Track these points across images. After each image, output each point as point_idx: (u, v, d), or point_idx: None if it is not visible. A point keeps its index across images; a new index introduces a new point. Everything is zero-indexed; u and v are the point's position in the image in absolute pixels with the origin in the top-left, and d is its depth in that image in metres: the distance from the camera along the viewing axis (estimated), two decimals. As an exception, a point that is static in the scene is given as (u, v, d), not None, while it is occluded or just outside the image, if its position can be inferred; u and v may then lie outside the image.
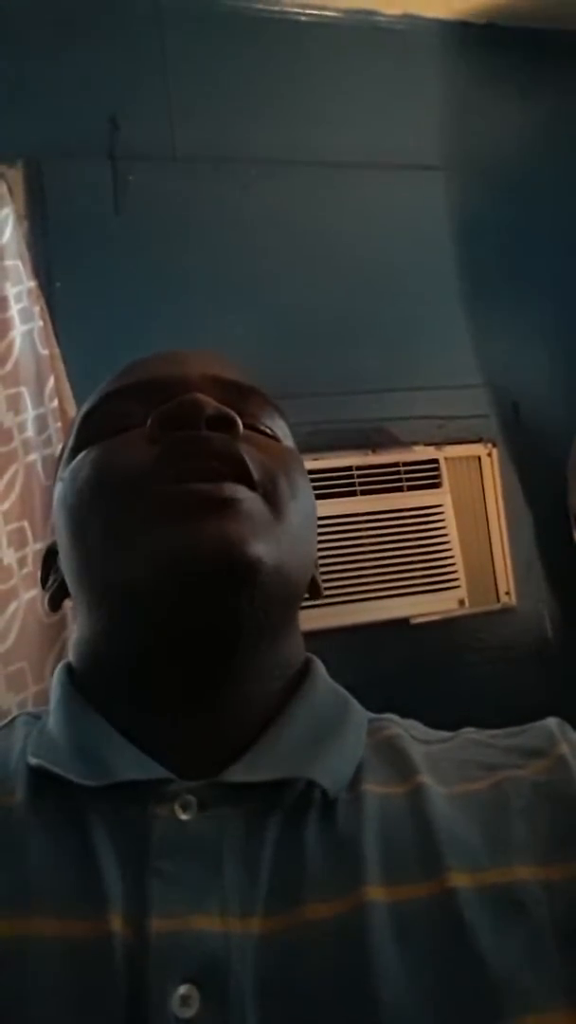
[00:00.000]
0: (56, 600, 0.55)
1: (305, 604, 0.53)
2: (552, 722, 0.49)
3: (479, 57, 2.06)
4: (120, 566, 0.44)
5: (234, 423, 0.47)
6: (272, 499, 0.47)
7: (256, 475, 0.46)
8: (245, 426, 0.48)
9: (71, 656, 0.52)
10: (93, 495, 0.47)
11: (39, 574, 0.58)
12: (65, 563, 0.50)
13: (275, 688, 0.48)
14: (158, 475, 0.45)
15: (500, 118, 2.05)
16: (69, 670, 0.50)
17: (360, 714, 0.50)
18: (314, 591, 0.55)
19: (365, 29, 1.99)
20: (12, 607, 1.34)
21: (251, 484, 0.46)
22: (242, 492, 0.45)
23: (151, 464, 0.45)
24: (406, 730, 0.50)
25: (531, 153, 2.06)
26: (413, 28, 2.03)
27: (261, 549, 0.43)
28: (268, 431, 0.52)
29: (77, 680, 0.49)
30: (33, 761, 0.44)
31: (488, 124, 2.04)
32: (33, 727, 0.48)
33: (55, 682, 0.50)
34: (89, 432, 0.51)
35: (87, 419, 0.52)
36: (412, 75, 2.01)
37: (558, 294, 2.01)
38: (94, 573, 0.47)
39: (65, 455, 0.54)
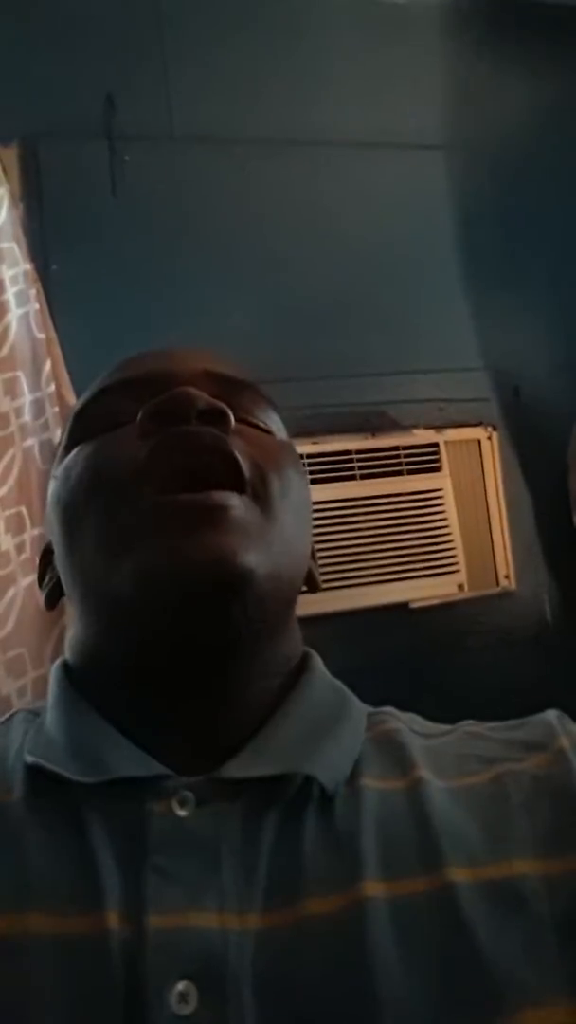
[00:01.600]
0: (52, 598, 0.55)
1: (303, 591, 0.52)
2: (552, 715, 0.49)
3: (480, 34, 2.03)
4: (110, 579, 0.44)
5: (225, 416, 0.46)
6: (263, 499, 0.46)
7: (247, 473, 0.46)
8: (237, 420, 0.48)
9: (67, 654, 0.52)
10: (86, 494, 0.47)
11: (36, 567, 0.58)
12: (60, 564, 0.50)
13: (273, 684, 0.48)
14: (148, 477, 0.45)
15: (501, 96, 2.03)
16: (66, 667, 0.50)
17: (358, 708, 0.50)
18: (311, 584, 0.55)
19: (366, 5, 1.97)
20: (10, 593, 1.34)
21: (241, 484, 0.45)
22: (231, 499, 0.44)
23: (142, 461, 0.45)
24: (405, 723, 0.49)
25: (533, 132, 2.04)
26: (414, 4, 2.00)
27: (252, 559, 0.43)
28: (261, 425, 0.52)
29: (74, 677, 0.49)
30: (30, 759, 0.44)
31: (489, 102, 2.02)
32: (31, 724, 0.48)
33: (52, 680, 0.50)
34: (81, 429, 0.51)
35: (79, 416, 0.52)
36: (412, 53, 1.99)
37: (560, 277, 1.99)
38: (86, 581, 0.47)
39: (59, 452, 0.53)
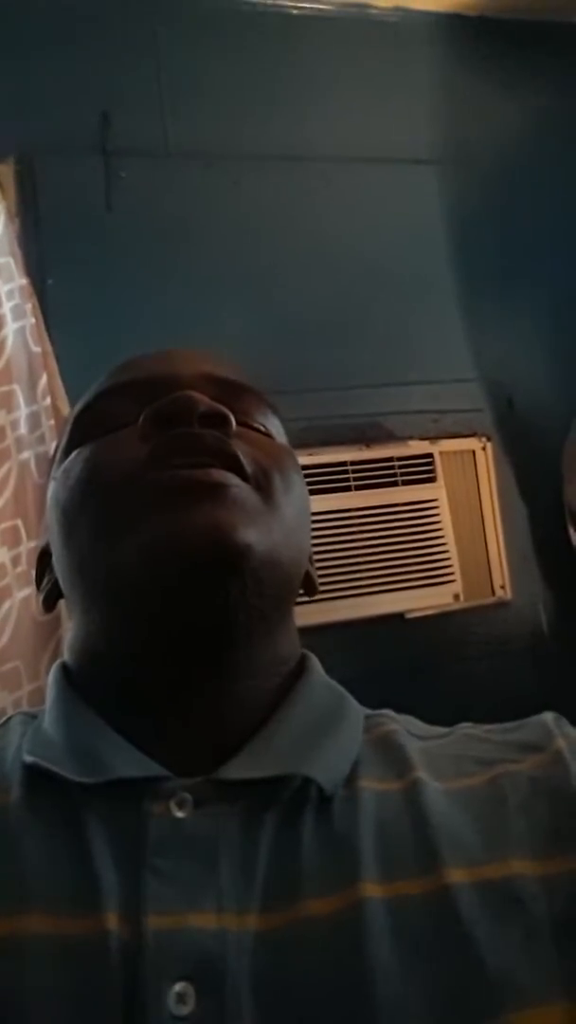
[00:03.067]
0: (50, 601, 0.55)
1: (300, 600, 0.52)
2: (548, 717, 0.49)
3: (472, 50, 2.05)
4: (111, 559, 0.44)
5: (227, 420, 0.46)
6: (265, 491, 0.47)
7: (249, 469, 0.46)
8: (238, 423, 0.48)
9: (66, 655, 0.52)
10: (85, 494, 0.47)
11: (33, 575, 0.58)
12: (58, 563, 0.50)
13: (271, 685, 0.48)
14: (149, 470, 0.45)
15: (493, 111, 2.04)
16: (65, 669, 0.50)
17: (356, 711, 0.50)
18: (309, 587, 0.55)
19: (358, 22, 1.99)
20: (6, 605, 1.33)
21: (243, 477, 0.46)
22: (232, 479, 0.45)
23: (142, 461, 0.45)
24: (403, 726, 0.50)
25: (524, 146, 2.05)
26: (405, 21, 2.02)
27: (252, 536, 0.43)
28: (262, 428, 0.52)
29: (73, 679, 0.49)
30: (28, 759, 0.44)
31: (481, 118, 2.03)
32: (29, 726, 0.48)
33: (50, 681, 0.50)
34: (81, 431, 0.51)
35: (79, 418, 0.52)
36: (405, 69, 2.00)
37: (553, 288, 2.01)
38: (86, 570, 0.47)
39: (58, 455, 0.54)
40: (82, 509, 0.47)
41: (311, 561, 0.55)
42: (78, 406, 0.54)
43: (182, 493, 0.43)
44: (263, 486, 0.47)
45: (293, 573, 0.49)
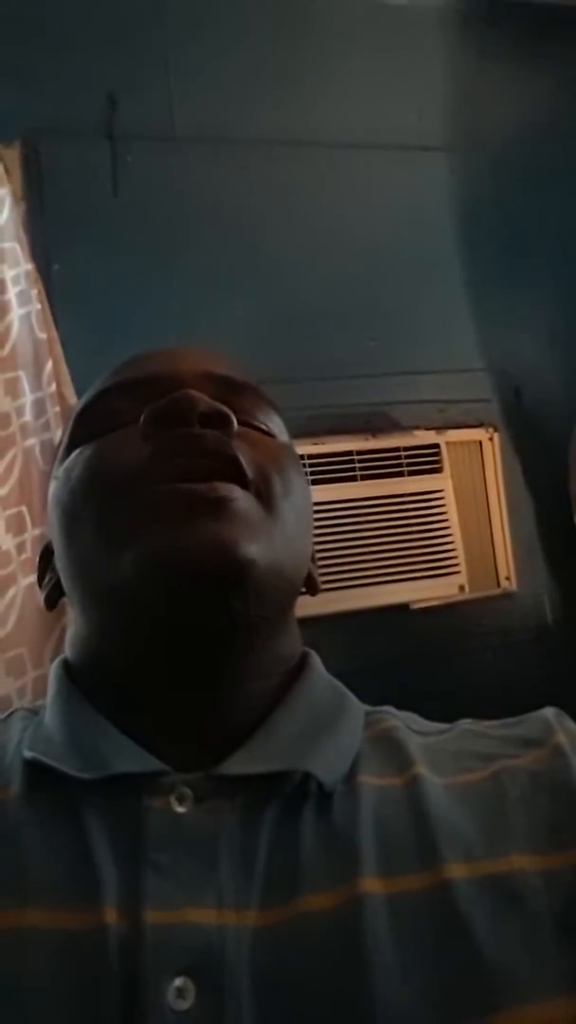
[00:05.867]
0: (52, 599, 0.55)
1: (302, 592, 0.52)
2: (549, 712, 0.49)
3: (482, 35, 2.03)
4: (111, 570, 0.44)
5: (228, 419, 0.46)
6: (265, 497, 0.46)
7: (249, 473, 0.46)
8: (239, 422, 0.48)
9: (67, 651, 0.52)
10: (86, 494, 0.47)
11: (36, 568, 0.58)
12: (60, 562, 0.50)
13: (272, 683, 0.48)
14: (150, 474, 0.45)
15: (503, 97, 2.03)
16: (66, 665, 0.51)
17: (357, 707, 0.50)
18: (311, 587, 0.55)
19: (367, 6, 1.97)
20: (11, 593, 1.34)
21: (244, 482, 0.45)
22: (235, 491, 0.44)
23: (144, 462, 0.45)
24: (403, 722, 0.50)
25: (534, 133, 2.04)
26: (415, 5, 2.00)
27: (254, 550, 0.43)
28: (263, 427, 0.52)
29: (74, 675, 0.50)
30: (28, 754, 0.44)
31: (491, 103, 2.02)
32: (30, 722, 0.48)
33: (51, 677, 0.50)
34: (83, 430, 0.51)
35: (81, 417, 0.52)
36: (414, 54, 1.99)
37: (561, 278, 1.99)
38: (87, 576, 0.47)
39: (60, 453, 0.53)
40: (83, 512, 0.47)
41: (313, 560, 0.55)
42: (79, 404, 0.54)
43: (184, 507, 0.43)
44: (264, 492, 0.46)
45: (295, 579, 0.49)
